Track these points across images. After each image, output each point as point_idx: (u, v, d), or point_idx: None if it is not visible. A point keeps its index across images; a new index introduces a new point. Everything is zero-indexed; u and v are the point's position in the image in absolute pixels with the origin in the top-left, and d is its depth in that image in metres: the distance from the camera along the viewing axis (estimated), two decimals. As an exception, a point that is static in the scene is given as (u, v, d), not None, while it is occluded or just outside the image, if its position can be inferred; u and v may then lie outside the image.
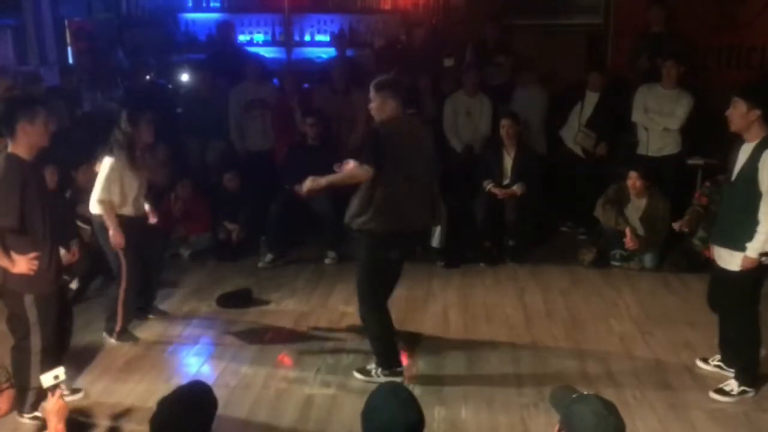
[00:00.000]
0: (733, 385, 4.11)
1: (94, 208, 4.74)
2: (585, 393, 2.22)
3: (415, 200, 4.12)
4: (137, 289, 4.92)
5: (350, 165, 4.14)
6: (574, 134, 6.78)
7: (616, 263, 6.23)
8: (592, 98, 6.73)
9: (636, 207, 6.15)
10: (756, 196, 3.77)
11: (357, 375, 4.33)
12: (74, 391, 4.18)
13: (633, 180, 6.04)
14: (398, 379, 4.15)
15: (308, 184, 4.21)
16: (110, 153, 4.69)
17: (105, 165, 4.71)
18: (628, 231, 6.00)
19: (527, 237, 6.53)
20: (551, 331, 4.98)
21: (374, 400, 2.28)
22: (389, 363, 4.27)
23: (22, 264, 3.65)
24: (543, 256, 6.44)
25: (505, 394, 4.13)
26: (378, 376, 4.23)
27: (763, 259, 3.85)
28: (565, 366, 4.48)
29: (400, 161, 4.00)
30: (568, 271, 6.15)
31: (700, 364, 4.45)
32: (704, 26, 7.19)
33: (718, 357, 4.37)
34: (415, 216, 4.17)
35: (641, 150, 6.42)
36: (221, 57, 7.68)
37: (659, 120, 6.27)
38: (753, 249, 3.82)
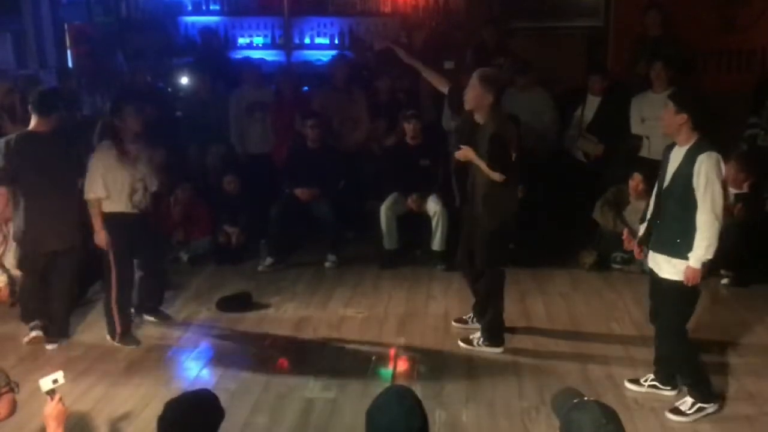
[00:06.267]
0: (688, 403, 3.89)
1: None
2: (585, 399, 2.21)
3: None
4: (129, 290, 4.88)
5: (483, 164, 4.45)
6: (575, 138, 6.75)
7: (617, 266, 6.22)
8: (593, 102, 6.70)
9: (635, 209, 6.12)
10: (692, 203, 3.67)
11: (461, 344, 4.78)
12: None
13: (636, 182, 6.02)
14: (498, 350, 4.69)
15: (468, 154, 4.50)
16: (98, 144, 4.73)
17: (91, 157, 4.69)
18: (625, 231, 5.94)
19: (527, 240, 6.51)
20: (552, 335, 4.97)
21: (380, 401, 2.27)
22: (496, 339, 4.73)
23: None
24: (543, 260, 6.42)
25: (506, 398, 4.13)
26: (479, 346, 4.73)
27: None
28: (566, 369, 4.47)
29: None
30: (569, 275, 6.14)
31: (630, 386, 4.16)
32: (703, 30, 7.17)
33: (651, 376, 4.14)
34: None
35: (644, 153, 6.40)
36: (207, 62, 7.70)
37: (657, 125, 6.22)
38: (696, 259, 3.68)
